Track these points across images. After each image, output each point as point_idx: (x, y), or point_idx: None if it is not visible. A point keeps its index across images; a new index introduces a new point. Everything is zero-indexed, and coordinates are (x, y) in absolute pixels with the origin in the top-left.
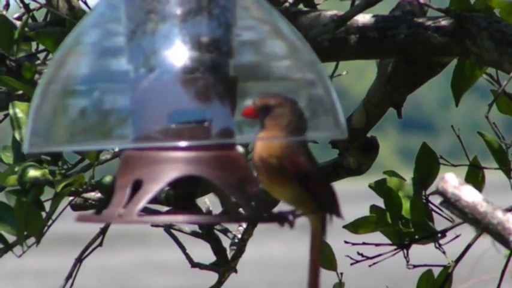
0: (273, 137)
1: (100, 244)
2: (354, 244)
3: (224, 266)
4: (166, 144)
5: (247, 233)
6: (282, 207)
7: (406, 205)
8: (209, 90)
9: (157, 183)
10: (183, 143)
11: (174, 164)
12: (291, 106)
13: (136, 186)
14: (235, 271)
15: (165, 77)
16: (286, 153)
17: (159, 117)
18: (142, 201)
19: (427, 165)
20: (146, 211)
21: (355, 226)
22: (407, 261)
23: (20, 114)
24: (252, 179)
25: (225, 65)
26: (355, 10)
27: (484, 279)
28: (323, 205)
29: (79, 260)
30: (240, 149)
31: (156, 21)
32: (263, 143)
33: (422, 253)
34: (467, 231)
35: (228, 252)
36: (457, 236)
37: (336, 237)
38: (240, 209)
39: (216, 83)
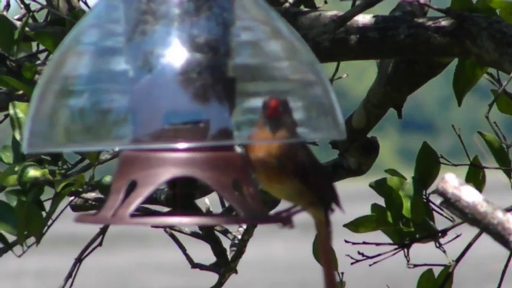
0: (279, 138)
1: (100, 244)
2: (354, 243)
3: (224, 266)
4: (163, 146)
5: (248, 234)
6: (281, 207)
7: (406, 204)
8: (207, 90)
9: (151, 185)
10: (179, 145)
11: (168, 165)
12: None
13: (132, 187)
14: (236, 272)
15: (163, 78)
16: (286, 151)
17: (156, 117)
18: (135, 203)
19: (427, 165)
20: (144, 212)
21: (356, 225)
22: (408, 261)
23: (20, 114)
24: (248, 179)
25: (224, 65)
26: (355, 10)
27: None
28: (323, 197)
29: (79, 260)
30: (238, 149)
31: (154, 21)
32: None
33: (423, 253)
34: (467, 231)
35: (228, 253)
36: (458, 236)
37: (336, 236)
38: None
39: (214, 84)
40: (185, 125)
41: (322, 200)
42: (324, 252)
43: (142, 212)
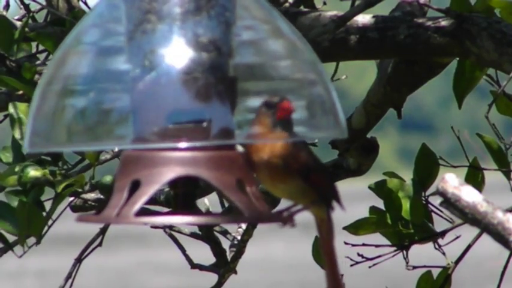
0: (288, 138)
1: (100, 244)
2: (353, 245)
3: (224, 267)
4: (165, 145)
5: (247, 234)
6: (282, 206)
7: (405, 206)
8: (209, 90)
9: (155, 184)
10: (181, 144)
11: (172, 164)
12: None
13: (135, 187)
14: (235, 272)
15: (164, 77)
16: (289, 152)
17: (158, 117)
18: (140, 202)
19: (426, 167)
20: (145, 212)
21: (355, 227)
22: (407, 262)
23: (20, 115)
24: (251, 179)
25: (225, 64)
26: (355, 10)
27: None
28: (324, 195)
29: (79, 260)
30: (239, 148)
31: (155, 20)
32: (261, 143)
33: (423, 253)
34: (467, 232)
35: (227, 253)
36: (457, 237)
37: (336, 238)
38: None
39: (215, 83)
40: (187, 125)
41: (324, 198)
42: (326, 250)
43: (142, 212)
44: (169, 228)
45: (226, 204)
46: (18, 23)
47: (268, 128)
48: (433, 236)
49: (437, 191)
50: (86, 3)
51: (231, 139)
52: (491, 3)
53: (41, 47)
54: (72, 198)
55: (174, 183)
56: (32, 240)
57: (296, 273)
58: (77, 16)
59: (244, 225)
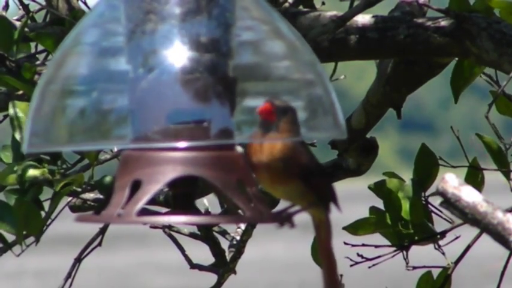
0: (281, 138)
1: (99, 244)
2: (353, 245)
3: (223, 267)
4: (165, 145)
5: (247, 234)
6: (281, 206)
7: (405, 206)
8: (208, 90)
9: (156, 183)
10: (181, 144)
11: (173, 164)
12: (295, 112)
13: (136, 187)
14: (235, 272)
15: (164, 77)
16: (290, 154)
17: (158, 117)
18: (141, 201)
19: (426, 167)
20: (145, 212)
21: (355, 227)
22: (407, 263)
23: (20, 114)
24: (251, 179)
25: (225, 65)
26: (355, 10)
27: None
28: (323, 197)
29: (78, 260)
30: (239, 149)
31: (155, 21)
32: (262, 144)
33: (422, 254)
34: (466, 233)
35: (226, 253)
36: (457, 237)
37: (336, 238)
38: (240, 210)
39: (215, 83)
40: (187, 125)
41: (322, 200)
42: (324, 251)
43: (142, 212)
44: (168, 229)
45: (226, 205)
46: (18, 23)
47: (257, 129)
48: (433, 236)
49: (437, 191)
50: (85, 3)
51: (231, 139)
52: (490, 3)
53: (40, 47)
54: (71, 198)
55: (173, 183)
56: (31, 239)
57: (295, 273)
58: (77, 16)
59: (243, 226)
